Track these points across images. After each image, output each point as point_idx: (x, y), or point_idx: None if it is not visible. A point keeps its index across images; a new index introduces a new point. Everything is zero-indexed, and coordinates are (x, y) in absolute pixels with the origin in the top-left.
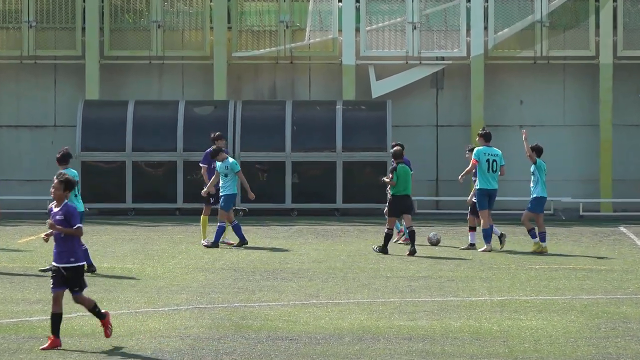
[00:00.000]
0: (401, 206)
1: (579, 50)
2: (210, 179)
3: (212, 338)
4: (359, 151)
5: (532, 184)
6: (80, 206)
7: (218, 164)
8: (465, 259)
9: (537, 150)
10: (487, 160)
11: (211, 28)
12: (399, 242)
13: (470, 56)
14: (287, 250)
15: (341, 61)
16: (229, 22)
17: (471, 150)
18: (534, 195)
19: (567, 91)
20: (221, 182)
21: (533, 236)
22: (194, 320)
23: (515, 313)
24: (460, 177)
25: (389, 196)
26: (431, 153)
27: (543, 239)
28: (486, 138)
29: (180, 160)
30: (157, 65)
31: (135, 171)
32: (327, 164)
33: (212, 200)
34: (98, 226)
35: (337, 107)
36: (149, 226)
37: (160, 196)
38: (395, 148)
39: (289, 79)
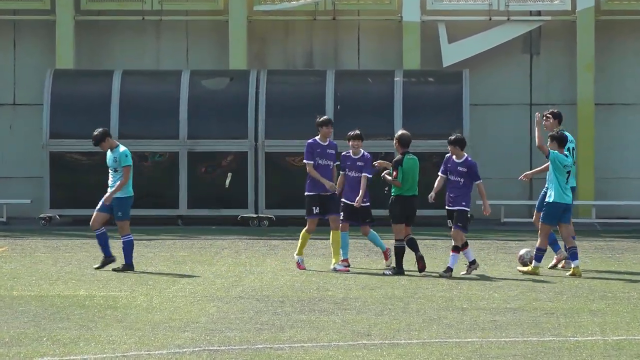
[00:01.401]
0: (407, 210)
1: None
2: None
3: None
4: (424, 138)
5: (547, 184)
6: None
7: (108, 154)
8: (569, 285)
9: (559, 140)
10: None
11: None
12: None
13: (576, 10)
14: (327, 272)
15: (401, 17)
16: None
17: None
18: (547, 200)
19: None
20: (111, 179)
21: (535, 257)
22: None
23: (638, 358)
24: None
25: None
26: (522, 141)
27: (572, 257)
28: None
29: (184, 151)
30: (153, 23)
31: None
32: (382, 157)
33: (316, 211)
34: (73, 240)
35: (395, 79)
36: (141, 240)
37: (156, 200)
38: (402, 132)
39: (330, 41)
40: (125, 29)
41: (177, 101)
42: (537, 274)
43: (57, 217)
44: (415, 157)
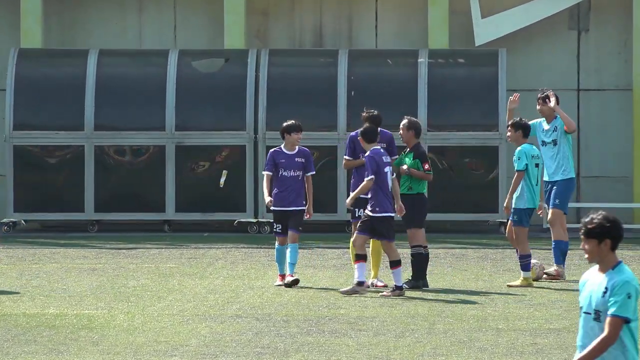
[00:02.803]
0: (425, 210)
1: None
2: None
3: None
4: (453, 130)
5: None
6: None
7: None
8: None
9: (523, 129)
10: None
11: None
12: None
13: None
14: (340, 288)
15: None
16: None
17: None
18: (516, 207)
19: None
20: None
21: (522, 267)
22: None
23: None
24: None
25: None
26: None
27: (529, 268)
28: None
29: (171, 144)
30: None
31: (99, 162)
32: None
33: (358, 213)
34: (40, 249)
35: (419, 60)
36: (121, 249)
37: (139, 202)
38: (413, 120)
39: (343, 16)
40: (103, 1)
41: (164, 86)
42: (530, 285)
43: (22, 222)
44: None
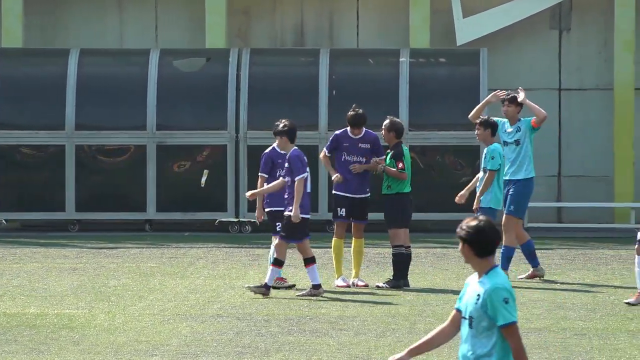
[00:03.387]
0: (409, 210)
1: None
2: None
3: None
4: (435, 129)
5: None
6: None
7: None
8: (603, 302)
9: (492, 127)
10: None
11: None
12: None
13: None
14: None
15: None
16: None
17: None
18: (483, 206)
19: None
20: None
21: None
22: None
23: None
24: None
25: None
26: (550, 132)
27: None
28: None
29: (152, 144)
30: None
31: (80, 162)
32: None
33: (340, 212)
34: (21, 248)
35: (400, 59)
36: (101, 248)
37: (120, 202)
38: (394, 120)
39: (325, 15)
40: (84, 1)
41: (145, 86)
42: None
43: (3, 221)
44: (407, 147)
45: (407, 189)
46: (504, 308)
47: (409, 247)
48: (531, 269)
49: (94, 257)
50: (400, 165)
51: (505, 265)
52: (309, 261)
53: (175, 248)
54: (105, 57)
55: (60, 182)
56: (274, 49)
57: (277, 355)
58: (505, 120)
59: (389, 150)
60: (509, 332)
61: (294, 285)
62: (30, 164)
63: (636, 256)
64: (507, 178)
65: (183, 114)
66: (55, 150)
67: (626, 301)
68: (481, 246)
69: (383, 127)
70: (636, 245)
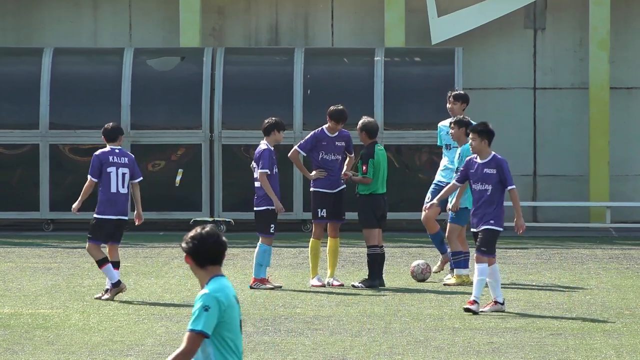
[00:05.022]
0: (381, 210)
1: None
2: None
3: None
4: (410, 128)
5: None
6: None
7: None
8: (578, 301)
9: (467, 127)
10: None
11: None
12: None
13: None
14: (295, 287)
15: None
16: None
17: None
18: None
19: None
20: None
21: (454, 264)
22: None
23: None
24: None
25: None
26: (525, 132)
27: (464, 265)
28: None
29: (126, 143)
30: None
31: (54, 161)
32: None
33: (321, 214)
34: None
35: (375, 58)
36: (76, 248)
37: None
38: (368, 120)
39: (299, 14)
40: (58, 0)
41: (119, 85)
42: (464, 284)
43: None
44: (383, 147)
45: (382, 190)
46: (196, 315)
47: (382, 246)
48: (442, 256)
49: (68, 256)
50: (364, 168)
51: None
52: (101, 262)
53: (150, 247)
54: (79, 56)
55: (35, 182)
56: (249, 48)
57: (252, 356)
58: (447, 122)
59: (361, 151)
60: (187, 337)
61: (280, 287)
62: (4, 163)
63: (481, 264)
64: (448, 181)
65: (157, 113)
66: (29, 150)
67: (466, 307)
68: (202, 256)
69: (357, 127)
70: (476, 254)
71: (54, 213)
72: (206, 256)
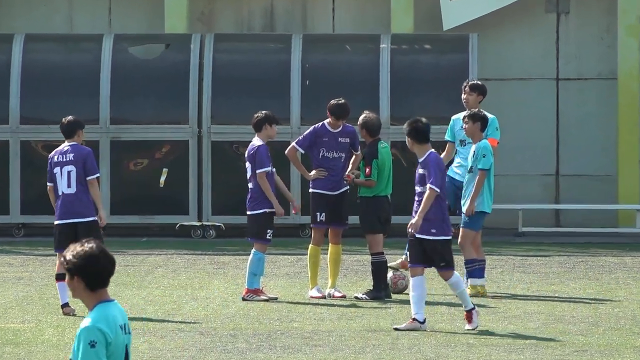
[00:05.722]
0: (385, 213)
1: None
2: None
3: None
4: None
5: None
6: None
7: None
8: (606, 315)
9: (482, 121)
10: None
11: None
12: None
13: None
14: (293, 298)
15: None
16: None
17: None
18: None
19: None
20: None
21: (468, 274)
22: None
23: None
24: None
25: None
26: (547, 127)
27: (479, 274)
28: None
29: (106, 139)
30: None
31: (26, 160)
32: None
33: (320, 218)
34: None
35: (381, 46)
36: (50, 255)
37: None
38: (368, 116)
39: None
40: None
41: (97, 75)
42: (479, 295)
43: None
44: (387, 144)
45: (387, 191)
46: (82, 355)
47: (383, 252)
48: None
49: (41, 265)
50: (367, 170)
51: (481, 274)
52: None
53: (132, 255)
54: (53, 43)
55: (4, 182)
56: (241, 34)
57: None
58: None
59: (363, 150)
60: None
61: (275, 298)
62: None
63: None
64: (463, 180)
65: (140, 107)
66: None
67: (395, 327)
68: (94, 276)
69: (358, 123)
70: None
71: (25, 217)
72: (98, 277)
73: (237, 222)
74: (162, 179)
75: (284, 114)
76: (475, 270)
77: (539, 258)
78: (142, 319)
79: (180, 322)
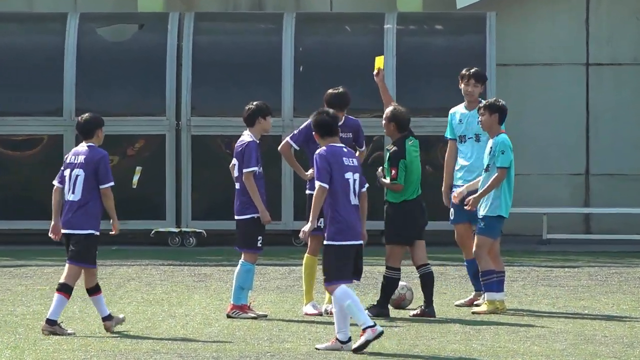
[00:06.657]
0: (419, 222)
1: None
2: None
3: None
4: (429, 115)
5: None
6: None
7: None
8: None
9: (501, 112)
10: None
11: None
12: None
13: None
14: (284, 316)
15: None
16: None
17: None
18: (492, 214)
19: None
20: None
21: (485, 287)
22: None
23: None
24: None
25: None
26: (576, 119)
27: (497, 288)
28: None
29: (70, 133)
30: None
31: None
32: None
33: (317, 224)
34: None
35: (385, 26)
36: (6, 266)
37: (30, 207)
38: (396, 109)
39: None
40: None
41: (61, 60)
42: (496, 312)
43: None
44: (417, 140)
45: (415, 195)
46: None
47: (428, 264)
48: (473, 293)
49: (1, 276)
50: (394, 172)
51: (500, 287)
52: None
53: (100, 266)
54: (10, 24)
55: None
56: (225, 13)
57: None
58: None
59: (388, 147)
60: None
61: (265, 316)
62: None
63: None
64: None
65: (109, 96)
66: None
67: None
68: None
69: (383, 117)
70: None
71: None
72: None
73: (220, 228)
74: (135, 178)
75: (275, 104)
76: (493, 283)
77: (566, 269)
78: (112, 339)
79: (156, 343)
